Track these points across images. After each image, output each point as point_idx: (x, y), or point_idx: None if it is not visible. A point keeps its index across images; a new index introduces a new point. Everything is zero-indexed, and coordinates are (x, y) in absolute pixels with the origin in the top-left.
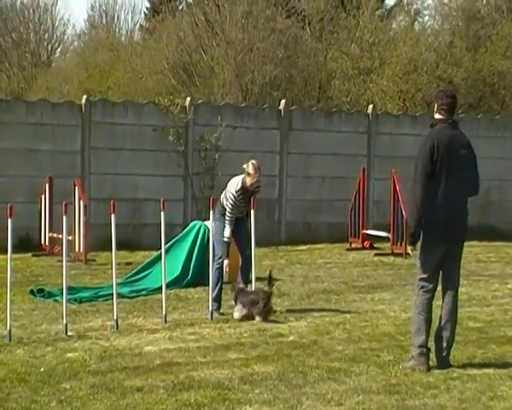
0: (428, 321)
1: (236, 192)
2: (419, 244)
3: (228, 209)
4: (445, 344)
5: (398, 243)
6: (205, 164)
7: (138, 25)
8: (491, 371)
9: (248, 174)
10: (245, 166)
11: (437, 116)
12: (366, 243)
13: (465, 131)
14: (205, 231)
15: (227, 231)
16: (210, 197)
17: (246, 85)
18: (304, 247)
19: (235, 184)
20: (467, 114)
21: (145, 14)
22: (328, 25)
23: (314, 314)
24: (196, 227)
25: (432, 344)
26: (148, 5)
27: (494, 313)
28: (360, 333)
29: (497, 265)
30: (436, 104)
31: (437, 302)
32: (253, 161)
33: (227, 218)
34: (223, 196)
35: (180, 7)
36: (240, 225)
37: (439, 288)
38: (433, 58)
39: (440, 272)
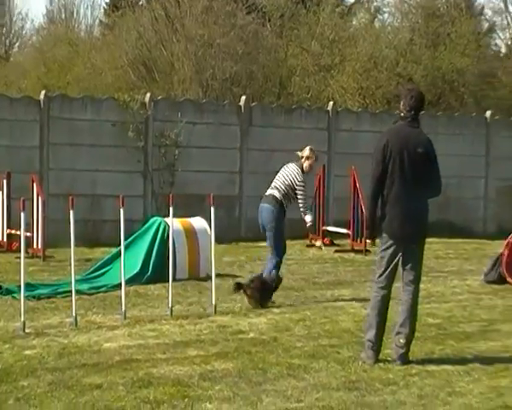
0: (381, 317)
1: (303, 177)
2: (379, 241)
3: (302, 197)
4: (403, 341)
5: (359, 240)
6: (165, 160)
7: (98, 20)
8: (449, 367)
9: (308, 158)
10: (300, 152)
11: (399, 113)
12: (326, 240)
13: (424, 128)
14: (165, 227)
15: (310, 217)
16: (170, 194)
17: (206, 81)
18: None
19: (296, 173)
20: (426, 111)
21: (104, 10)
22: (288, 21)
23: (274, 311)
24: (156, 223)
25: (391, 340)
26: (107, 0)
27: (453, 310)
28: (320, 330)
29: (456, 261)
30: (401, 102)
31: (397, 298)
32: (309, 146)
33: (305, 204)
34: (281, 185)
35: (140, 2)
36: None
37: (400, 284)
38: (392, 55)
39: (401, 269)
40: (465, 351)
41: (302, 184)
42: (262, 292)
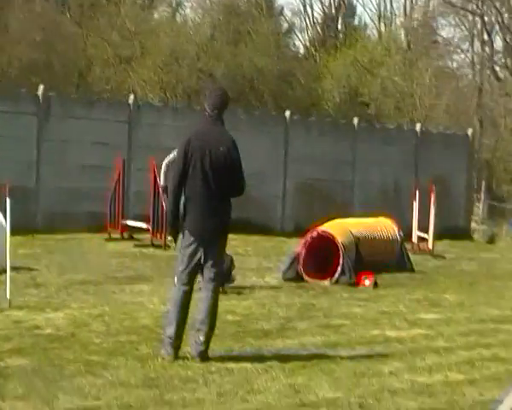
0: (182, 314)
1: None
2: (181, 237)
3: None
4: (203, 338)
5: (159, 235)
6: None
7: None
8: (248, 364)
9: None
10: None
11: (204, 111)
12: (125, 234)
13: (225, 125)
14: None
15: None
16: None
17: (1, 68)
18: (62, 236)
19: None
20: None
21: None
22: (88, 10)
23: (72, 306)
24: None
25: (191, 337)
26: None
27: (252, 307)
28: (119, 326)
29: (255, 259)
30: (206, 101)
31: (197, 295)
32: None
33: None
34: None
35: None
36: None
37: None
38: (194, 51)
39: (202, 267)
40: (263, 349)
41: None
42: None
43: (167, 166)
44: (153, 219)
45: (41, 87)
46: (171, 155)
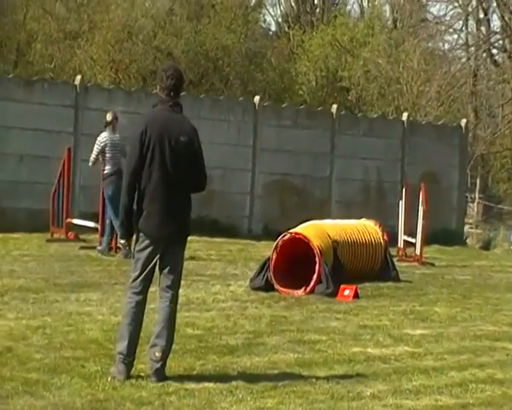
0: (134, 327)
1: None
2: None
3: None
4: (159, 354)
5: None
6: None
7: None
8: (211, 384)
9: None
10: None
11: (159, 96)
12: (71, 234)
13: (186, 112)
14: None
15: None
16: None
17: None
18: None
19: None
20: (187, 92)
21: None
22: None
23: (8, 316)
24: None
25: (146, 353)
26: None
27: (215, 319)
28: (63, 339)
29: (219, 264)
30: (158, 84)
31: (152, 306)
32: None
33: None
34: None
35: None
36: None
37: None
38: (150, 26)
39: (158, 273)
40: (228, 367)
41: None
42: None
43: (100, 149)
44: (103, 218)
45: None
46: (103, 136)
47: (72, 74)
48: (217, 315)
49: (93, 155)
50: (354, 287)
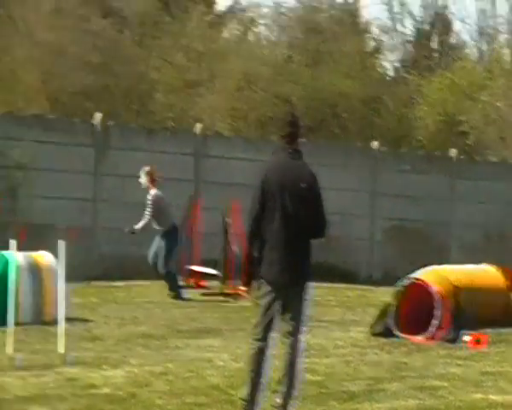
0: (256, 373)
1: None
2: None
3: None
4: (280, 400)
5: (228, 282)
6: (5, 184)
7: None
8: None
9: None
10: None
11: (278, 143)
12: (192, 281)
13: (305, 158)
14: (6, 262)
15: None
16: (11, 223)
17: (54, 94)
18: (120, 283)
19: None
20: (306, 138)
21: None
22: (150, 29)
23: (132, 362)
24: None
25: (266, 400)
26: None
27: (335, 366)
28: (184, 385)
29: (338, 310)
30: (278, 132)
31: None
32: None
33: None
34: None
35: None
36: None
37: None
38: (268, 73)
39: (279, 320)
40: None
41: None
42: None
43: (154, 202)
44: (225, 265)
45: (98, 115)
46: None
47: (192, 123)
48: (337, 361)
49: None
50: (477, 334)
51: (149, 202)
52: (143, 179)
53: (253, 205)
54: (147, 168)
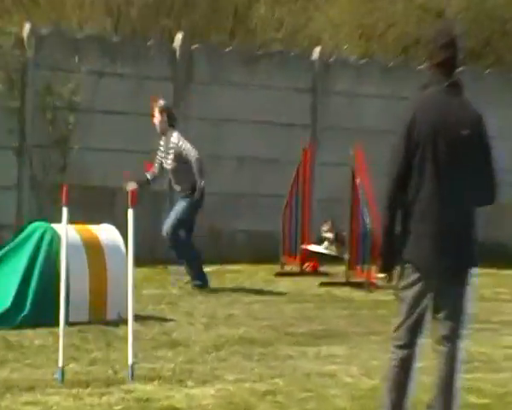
0: (398, 391)
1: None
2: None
3: None
4: None
5: (360, 267)
6: (53, 131)
7: None
8: None
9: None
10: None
11: (430, 73)
12: (308, 265)
13: (466, 94)
14: (52, 239)
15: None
16: (61, 184)
17: (118, 8)
18: (209, 268)
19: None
20: (467, 66)
21: None
22: None
23: (227, 378)
24: (38, 233)
25: None
26: None
27: (508, 384)
28: (299, 409)
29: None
30: (427, 57)
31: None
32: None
33: None
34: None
35: None
36: None
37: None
38: None
39: (431, 320)
40: None
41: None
42: None
43: (200, 161)
44: (354, 243)
45: (178, 36)
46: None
47: (307, 46)
48: (510, 377)
49: (200, 181)
50: None
51: (187, 145)
52: (160, 119)
53: (395, 160)
54: (162, 103)
